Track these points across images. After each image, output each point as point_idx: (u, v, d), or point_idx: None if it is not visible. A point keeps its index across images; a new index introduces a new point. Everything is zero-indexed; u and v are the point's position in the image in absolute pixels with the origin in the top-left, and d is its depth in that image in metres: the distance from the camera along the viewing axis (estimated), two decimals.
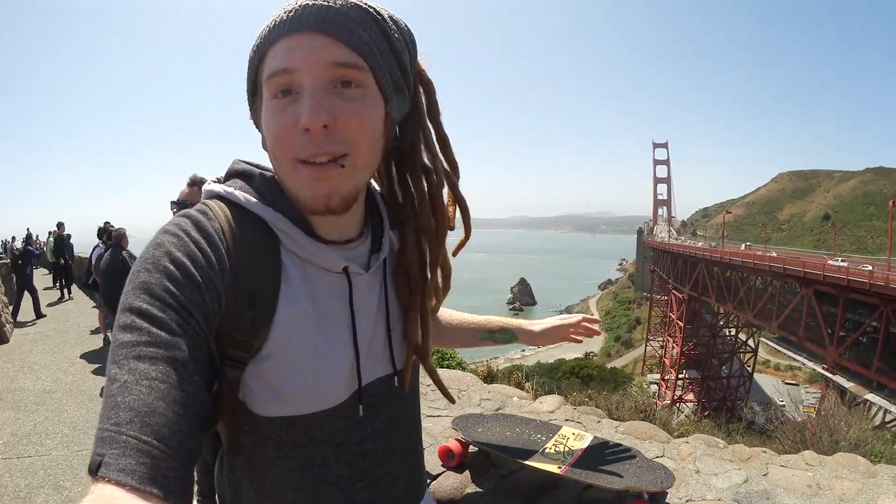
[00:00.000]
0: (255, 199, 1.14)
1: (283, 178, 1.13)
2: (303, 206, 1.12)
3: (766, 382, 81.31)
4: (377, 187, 1.39)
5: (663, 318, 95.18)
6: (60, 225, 17.66)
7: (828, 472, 2.49)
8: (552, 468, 2.22)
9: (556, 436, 2.50)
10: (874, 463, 2.70)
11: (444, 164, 1.30)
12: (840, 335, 39.06)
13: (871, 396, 30.48)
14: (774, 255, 57.82)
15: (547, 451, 2.35)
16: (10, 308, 14.06)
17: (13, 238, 27.12)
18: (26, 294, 15.05)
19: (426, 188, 1.28)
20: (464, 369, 8.18)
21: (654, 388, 67.99)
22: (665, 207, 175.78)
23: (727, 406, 46.96)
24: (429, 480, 2.25)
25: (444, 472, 2.43)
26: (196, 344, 0.97)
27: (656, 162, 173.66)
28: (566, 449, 2.37)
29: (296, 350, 1.13)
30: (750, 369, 69.13)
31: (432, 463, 2.51)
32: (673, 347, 79.38)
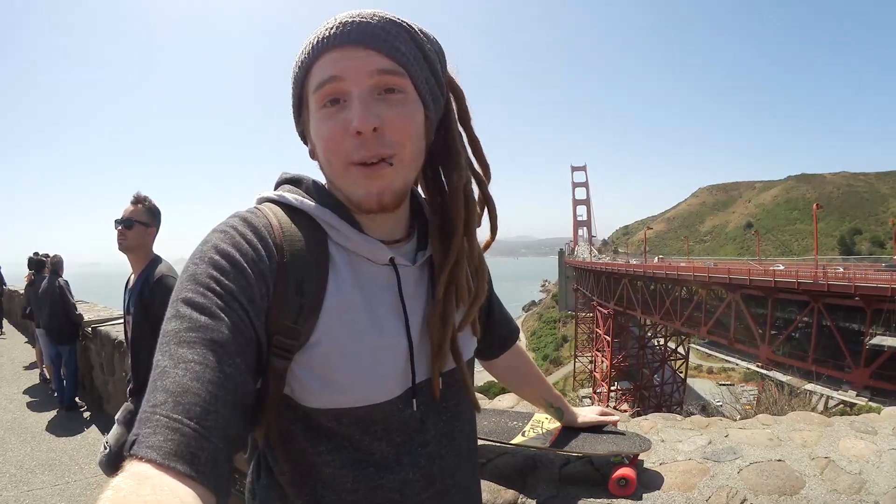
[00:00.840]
0: (305, 199, 1.21)
1: (335, 180, 1.20)
2: (357, 205, 1.20)
3: (701, 386, 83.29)
4: (422, 193, 1.42)
5: (590, 334, 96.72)
6: None
7: (785, 428, 2.62)
8: (537, 443, 2.30)
9: (532, 420, 2.56)
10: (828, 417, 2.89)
11: (476, 166, 1.35)
12: (771, 333, 40.14)
13: (810, 386, 31.31)
14: (699, 264, 59.00)
15: (527, 433, 2.41)
16: None
17: None
18: None
19: (453, 184, 1.30)
20: None
21: (587, 402, 67.24)
22: (585, 228, 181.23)
23: (663, 410, 47.36)
24: None
25: None
26: (238, 327, 1.00)
27: (575, 185, 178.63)
28: (544, 430, 2.41)
29: (345, 338, 1.15)
30: (682, 375, 70.63)
31: None
32: (602, 361, 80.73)
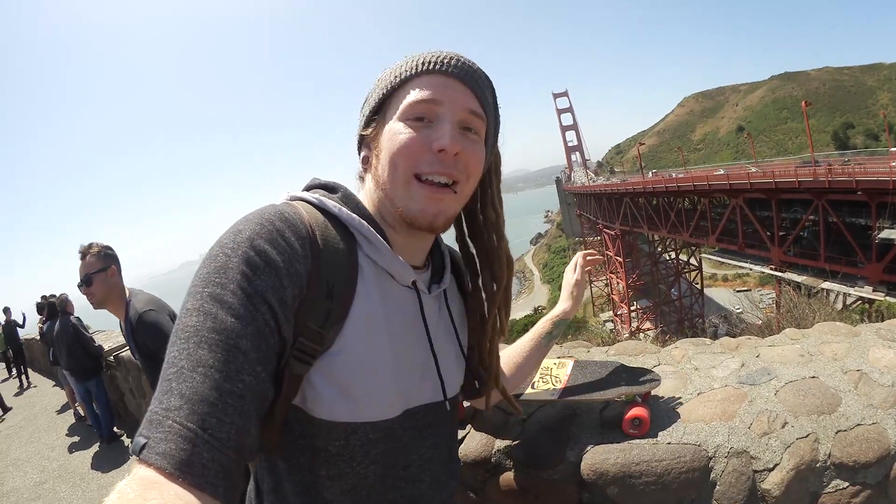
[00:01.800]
0: (342, 206, 1.22)
1: (392, 190, 1.21)
2: (410, 219, 1.21)
3: (718, 295, 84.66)
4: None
5: (601, 257, 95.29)
6: (7, 310, 16.77)
7: (814, 341, 2.60)
8: (544, 396, 2.27)
9: (540, 369, 2.50)
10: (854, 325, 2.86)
11: (501, 227, 1.43)
12: (780, 235, 39.80)
13: (827, 284, 31.16)
14: (697, 173, 58.36)
15: (536, 384, 2.38)
16: None
17: None
18: None
19: (495, 241, 1.41)
20: None
21: (609, 325, 68.38)
22: (578, 153, 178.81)
23: (686, 325, 47.37)
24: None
25: (463, 436, 2.41)
26: (263, 333, 0.99)
27: (559, 111, 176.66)
28: (552, 378, 2.41)
29: (367, 349, 1.16)
30: (699, 286, 70.58)
31: None
32: (618, 283, 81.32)
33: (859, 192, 32.38)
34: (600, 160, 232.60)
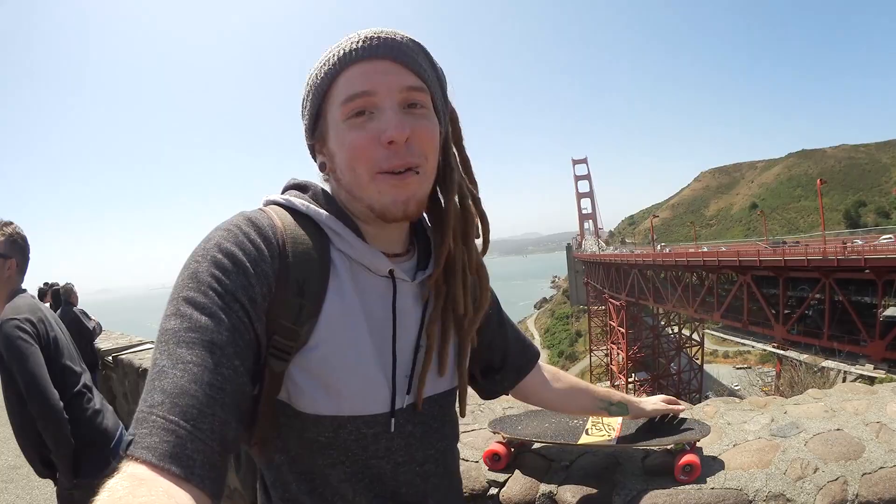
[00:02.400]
0: (311, 204, 1.23)
1: (358, 190, 1.20)
2: (381, 213, 1.20)
3: (718, 371, 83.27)
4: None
5: (604, 327, 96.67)
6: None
7: (836, 399, 2.67)
8: (604, 440, 2.24)
9: (592, 418, 2.45)
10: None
11: (467, 183, 1.38)
12: (785, 313, 39.73)
13: (828, 363, 31.19)
14: (706, 249, 58.51)
15: (591, 431, 2.34)
16: None
17: None
18: None
19: (452, 196, 1.33)
20: None
21: None
22: (591, 220, 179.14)
23: (682, 399, 47.04)
24: (496, 489, 2.29)
25: (506, 478, 2.34)
26: (238, 329, 1.02)
27: (577, 178, 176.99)
28: (607, 426, 2.36)
29: (343, 343, 1.17)
30: (699, 361, 70.36)
31: (478, 474, 2.47)
32: (618, 353, 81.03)
33: (867, 270, 32.69)
34: (612, 230, 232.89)
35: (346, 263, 1.22)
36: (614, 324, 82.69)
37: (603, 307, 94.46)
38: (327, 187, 1.31)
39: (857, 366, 32.16)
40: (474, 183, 1.40)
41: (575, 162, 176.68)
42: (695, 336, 69.73)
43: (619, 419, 2.37)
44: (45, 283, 11.07)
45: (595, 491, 2.14)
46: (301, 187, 1.31)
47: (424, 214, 1.39)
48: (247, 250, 1.08)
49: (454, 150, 1.36)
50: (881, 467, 2.01)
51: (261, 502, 1.34)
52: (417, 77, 1.19)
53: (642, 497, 2.03)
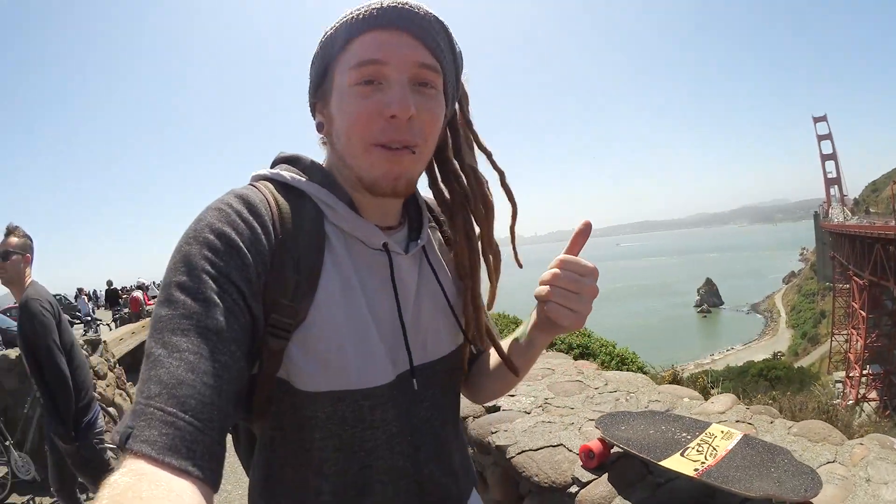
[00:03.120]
0: (302, 178, 1.22)
1: (350, 158, 1.18)
2: (370, 186, 1.18)
3: None
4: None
5: (847, 308, 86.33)
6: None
7: None
8: (686, 469, 2.12)
9: (703, 434, 2.40)
10: None
11: (486, 187, 1.38)
12: None
13: None
14: None
15: (689, 451, 2.23)
16: None
17: None
18: None
19: (474, 182, 1.36)
20: (645, 373, 6.95)
21: (839, 386, 59.53)
22: (836, 186, 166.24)
23: None
24: (577, 489, 2.33)
25: (592, 479, 2.37)
26: (233, 312, 1.00)
27: (819, 137, 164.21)
28: (710, 449, 2.24)
29: (342, 317, 1.16)
30: None
31: (569, 467, 2.57)
32: (857, 340, 72.50)
33: None
34: (857, 197, 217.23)
35: (340, 237, 1.20)
36: (856, 305, 74.65)
37: (847, 285, 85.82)
38: (322, 151, 1.30)
39: None
40: (494, 164, 1.37)
41: (815, 120, 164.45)
42: None
43: (731, 443, 2.30)
44: (109, 283, 12.49)
45: None
46: (292, 160, 1.28)
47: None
48: (239, 230, 1.04)
49: (462, 131, 1.35)
50: None
51: (252, 477, 1.33)
52: (433, 56, 1.16)
53: None
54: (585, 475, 2.38)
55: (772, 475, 2.00)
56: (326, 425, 1.16)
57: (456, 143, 1.35)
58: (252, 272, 1.03)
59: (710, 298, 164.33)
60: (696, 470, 2.07)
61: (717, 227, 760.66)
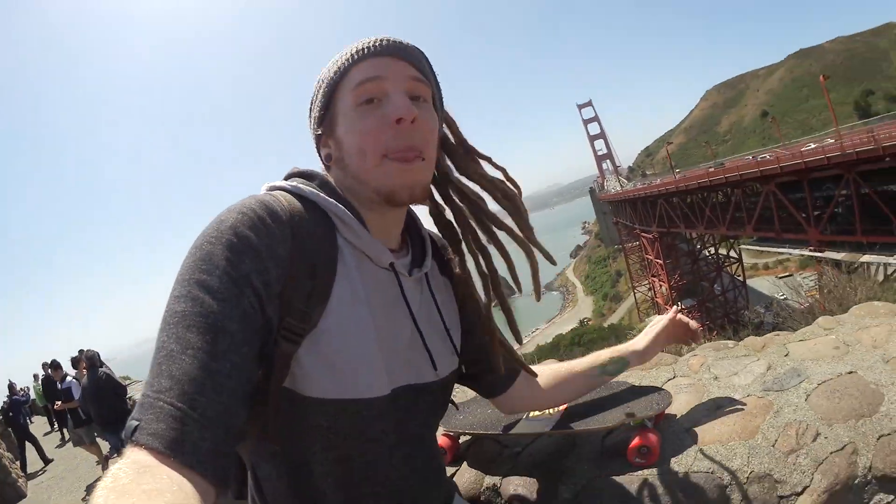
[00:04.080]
0: (318, 191, 1.24)
1: (365, 173, 1.23)
2: (388, 197, 1.23)
3: (762, 284, 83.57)
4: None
5: (641, 262, 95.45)
6: (53, 364, 16.89)
7: (850, 328, 2.30)
8: (536, 429, 2.07)
9: None
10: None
11: (503, 181, 1.46)
12: (815, 215, 39.22)
13: (867, 258, 30.74)
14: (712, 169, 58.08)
15: (531, 415, 2.16)
16: (17, 463, 13.63)
17: None
18: (28, 444, 14.69)
19: (470, 207, 1.44)
20: None
21: None
22: (608, 160, 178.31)
23: (730, 319, 46.65)
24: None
25: (454, 471, 2.24)
26: (249, 315, 1.01)
27: (586, 121, 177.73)
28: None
29: (350, 327, 1.18)
30: (741, 278, 69.68)
31: None
32: (661, 285, 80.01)
33: (887, 159, 31.92)
34: (631, 165, 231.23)
35: (352, 252, 1.25)
36: (651, 257, 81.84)
37: (637, 243, 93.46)
38: (331, 179, 1.33)
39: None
40: (495, 165, 1.47)
41: (580, 106, 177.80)
42: (732, 253, 68.91)
43: None
44: (80, 351, 11.52)
45: (539, 481, 1.97)
46: (306, 175, 1.32)
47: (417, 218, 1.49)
48: (262, 234, 1.08)
49: (459, 149, 1.46)
50: None
51: (252, 489, 1.33)
52: (420, 72, 1.26)
53: (590, 487, 1.85)
54: (449, 470, 2.17)
55: (620, 405, 1.98)
56: (328, 436, 1.19)
57: (456, 161, 1.44)
58: (272, 276, 1.06)
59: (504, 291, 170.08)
60: (545, 427, 2.03)
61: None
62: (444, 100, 1.40)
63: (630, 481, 1.77)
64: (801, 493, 1.58)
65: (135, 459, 0.81)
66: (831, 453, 1.62)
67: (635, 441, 1.82)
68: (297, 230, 1.14)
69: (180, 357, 0.92)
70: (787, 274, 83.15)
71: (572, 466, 1.95)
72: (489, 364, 1.61)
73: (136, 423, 0.86)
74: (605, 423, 1.93)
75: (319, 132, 1.32)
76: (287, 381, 1.15)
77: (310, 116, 1.34)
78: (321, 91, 1.28)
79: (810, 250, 40.55)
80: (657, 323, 1.95)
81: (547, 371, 1.81)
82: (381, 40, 1.24)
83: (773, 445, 1.69)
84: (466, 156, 1.45)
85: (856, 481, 1.58)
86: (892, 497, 1.58)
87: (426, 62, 1.31)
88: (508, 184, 1.46)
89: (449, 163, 1.45)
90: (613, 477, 1.81)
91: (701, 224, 59.35)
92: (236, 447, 1.00)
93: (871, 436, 1.63)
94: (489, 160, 1.46)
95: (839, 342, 2.19)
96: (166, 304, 1.00)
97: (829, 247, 37.98)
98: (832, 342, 2.20)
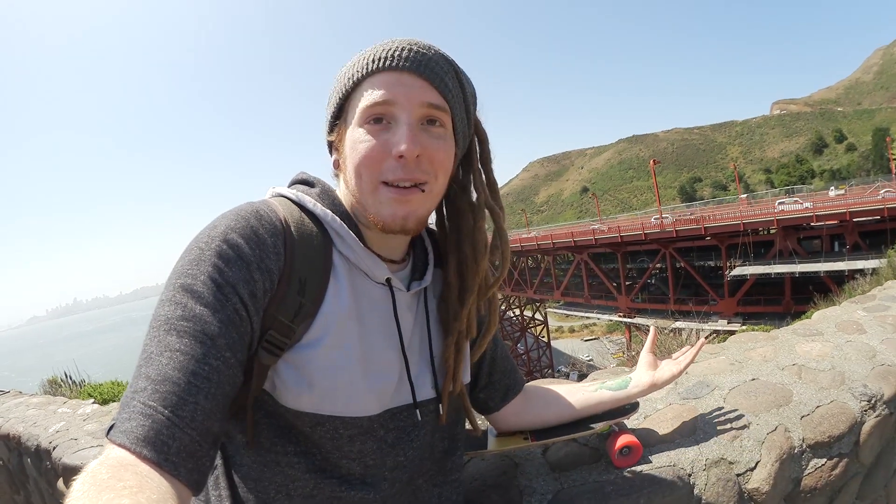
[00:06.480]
0: (318, 203, 1.24)
1: (361, 196, 1.21)
2: (379, 224, 1.19)
3: (566, 346, 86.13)
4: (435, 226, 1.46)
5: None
6: None
7: (735, 351, 2.61)
8: (520, 442, 1.90)
9: None
10: None
11: (495, 206, 1.34)
12: (627, 284, 41.57)
13: (679, 324, 32.20)
14: (534, 234, 60.68)
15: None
16: None
17: None
18: None
19: (471, 223, 1.33)
20: None
21: None
22: None
23: (534, 378, 47.97)
24: None
25: None
26: (233, 321, 1.02)
27: None
28: None
29: (334, 345, 1.17)
30: (545, 339, 71.52)
31: None
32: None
33: (708, 238, 35.05)
34: None
35: (346, 266, 1.22)
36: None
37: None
38: (335, 185, 1.31)
39: (709, 323, 34.03)
40: (501, 206, 1.36)
41: None
42: (537, 316, 70.83)
43: None
44: None
45: (503, 502, 1.86)
46: (309, 183, 1.30)
47: (426, 229, 1.42)
48: (253, 244, 1.07)
49: (480, 170, 1.34)
50: (818, 406, 1.96)
51: (210, 494, 1.26)
52: (441, 95, 1.18)
53: (565, 498, 1.77)
54: None
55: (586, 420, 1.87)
56: (302, 442, 1.18)
57: (466, 178, 1.35)
58: (258, 287, 1.06)
59: None
60: (526, 438, 1.84)
61: None
62: (473, 111, 1.30)
63: (598, 487, 1.76)
64: (755, 467, 1.76)
65: (113, 457, 0.83)
66: (768, 434, 1.83)
67: (619, 443, 1.80)
68: (290, 243, 1.14)
69: (158, 359, 0.93)
70: (593, 337, 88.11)
71: (526, 483, 1.87)
72: (486, 380, 1.62)
73: (113, 421, 0.89)
74: (583, 428, 1.84)
75: (330, 139, 1.29)
76: (267, 385, 1.15)
77: (326, 115, 1.30)
78: (334, 97, 1.25)
79: (620, 316, 43.06)
80: (650, 352, 1.90)
81: (542, 390, 1.80)
82: (402, 50, 1.17)
83: (715, 436, 1.85)
84: (477, 179, 1.34)
85: (795, 451, 1.82)
86: (824, 460, 1.85)
87: (453, 77, 1.22)
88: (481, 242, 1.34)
89: (462, 179, 1.36)
90: (581, 487, 1.79)
91: (508, 287, 61.61)
92: (214, 450, 0.98)
93: (794, 418, 1.90)
94: (499, 200, 1.36)
95: (732, 360, 2.46)
96: (155, 307, 1.02)
97: (638, 314, 40.33)
98: (725, 361, 2.46)
